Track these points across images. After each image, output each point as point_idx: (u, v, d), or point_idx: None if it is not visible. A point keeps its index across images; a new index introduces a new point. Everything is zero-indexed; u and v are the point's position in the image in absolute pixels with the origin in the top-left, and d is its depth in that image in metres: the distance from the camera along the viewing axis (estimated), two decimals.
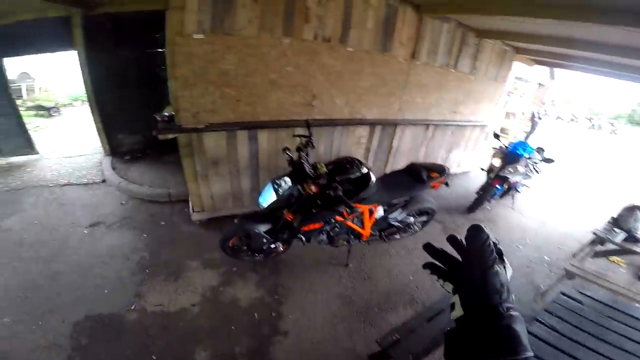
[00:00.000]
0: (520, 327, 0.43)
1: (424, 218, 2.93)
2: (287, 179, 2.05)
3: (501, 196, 4.10)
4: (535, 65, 5.61)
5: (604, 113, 26.94)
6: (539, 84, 10.80)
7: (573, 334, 1.62)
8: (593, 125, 20.02)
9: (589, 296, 1.97)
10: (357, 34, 2.77)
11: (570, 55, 4.10)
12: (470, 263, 0.49)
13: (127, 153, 4.23)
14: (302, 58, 2.57)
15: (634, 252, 2.68)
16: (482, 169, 4.12)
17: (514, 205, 4.38)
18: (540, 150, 4.14)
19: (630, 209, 2.83)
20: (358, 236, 2.57)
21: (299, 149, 2.13)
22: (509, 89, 9.52)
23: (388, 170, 3.97)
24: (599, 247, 2.89)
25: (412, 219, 2.79)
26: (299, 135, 2.29)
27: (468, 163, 5.42)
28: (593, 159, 9.84)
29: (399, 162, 4.01)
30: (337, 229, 2.42)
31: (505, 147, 3.82)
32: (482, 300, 0.46)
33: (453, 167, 5.08)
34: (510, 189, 3.98)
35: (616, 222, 2.86)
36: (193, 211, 2.93)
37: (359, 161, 2.21)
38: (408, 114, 3.64)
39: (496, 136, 4.01)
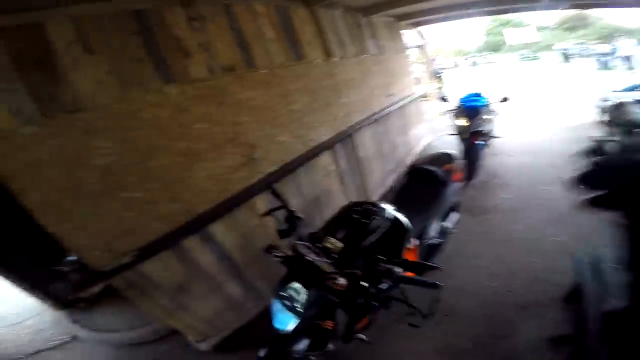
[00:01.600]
0: None
1: (456, 216, 2.30)
2: (297, 286, 1.21)
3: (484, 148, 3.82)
4: (414, 29, 5.88)
5: (470, 51, 31.44)
6: (418, 47, 11.75)
7: None
8: (472, 63, 22.88)
9: None
10: (261, 49, 2.13)
11: (431, 9, 4.29)
12: None
13: (79, 300, 2.92)
14: (208, 104, 1.79)
15: None
16: (451, 134, 3.82)
17: (495, 150, 4.19)
18: (478, 94, 4.02)
19: (619, 106, 2.74)
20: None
21: (282, 234, 1.35)
22: None
23: (372, 186, 3.38)
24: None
25: (446, 225, 2.13)
26: (270, 212, 1.50)
27: (424, 134, 5.26)
28: (505, 87, 10.79)
29: (375, 172, 3.48)
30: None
31: (460, 105, 3.61)
32: None
33: (415, 146, 4.79)
34: (488, 138, 3.74)
35: (617, 124, 2.72)
36: (196, 342, 1.91)
37: (371, 204, 1.47)
38: (355, 117, 3.10)
39: (443, 99, 3.81)
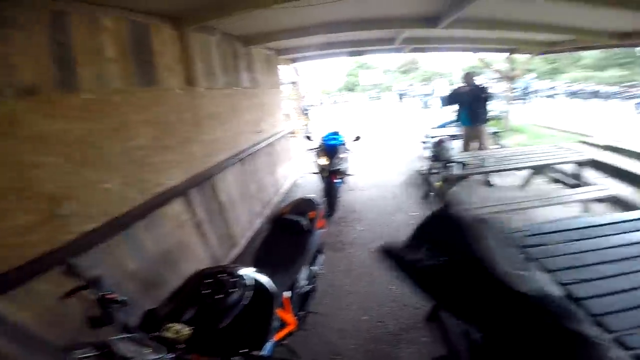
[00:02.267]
0: None
1: (321, 258, 2.30)
2: None
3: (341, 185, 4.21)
4: (291, 64, 6.26)
5: (331, 90, 36.19)
6: (292, 83, 12.66)
7: None
8: (333, 101, 26.31)
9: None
10: (92, 69, 1.65)
11: (310, 45, 4.61)
12: None
13: None
14: None
15: (478, 173, 3.37)
16: (313, 173, 4.08)
17: (350, 186, 4.66)
18: (337, 133, 4.53)
19: (439, 143, 3.42)
20: (289, 335, 1.69)
21: (95, 323, 0.92)
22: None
23: (239, 231, 3.11)
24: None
25: (314, 269, 2.10)
26: (72, 294, 1.00)
27: (292, 172, 5.39)
28: (357, 126, 12.65)
29: (241, 217, 3.23)
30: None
31: (322, 144, 3.91)
32: None
33: (283, 185, 4.85)
34: (344, 176, 4.14)
35: (437, 158, 3.39)
36: None
37: (226, 272, 1.20)
38: (219, 156, 2.85)
39: (308, 138, 4.04)
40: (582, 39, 4.34)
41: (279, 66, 5.24)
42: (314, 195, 2.08)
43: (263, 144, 3.92)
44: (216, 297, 1.07)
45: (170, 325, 0.97)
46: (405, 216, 3.64)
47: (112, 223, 1.68)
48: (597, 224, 1.82)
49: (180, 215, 2.29)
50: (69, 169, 1.51)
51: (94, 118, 1.66)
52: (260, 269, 1.55)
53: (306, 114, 10.68)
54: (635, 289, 1.27)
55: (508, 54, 6.77)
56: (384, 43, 4.49)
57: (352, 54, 6.03)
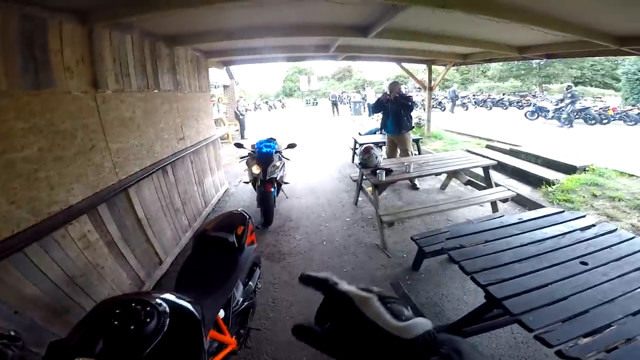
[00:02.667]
0: None
1: (257, 271, 2.22)
2: None
3: (277, 194, 4.11)
4: (224, 67, 5.96)
5: (270, 94, 35.99)
6: (224, 86, 12.13)
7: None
8: (270, 106, 25.99)
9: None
10: None
11: (248, 48, 4.51)
12: None
13: None
14: None
15: (403, 179, 3.57)
16: (246, 182, 3.92)
17: (287, 195, 4.62)
18: (272, 140, 4.45)
19: (367, 151, 3.52)
20: (230, 355, 1.63)
21: None
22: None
23: (161, 251, 2.80)
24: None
25: (251, 284, 2.03)
26: None
27: (222, 181, 5.13)
28: (294, 130, 12.68)
29: (166, 232, 2.94)
30: None
31: (254, 151, 3.76)
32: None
33: (214, 195, 4.57)
34: (280, 185, 4.05)
35: (365, 165, 3.51)
36: None
37: (140, 300, 1.03)
38: (132, 167, 2.51)
39: (239, 145, 3.85)
40: (489, 52, 4.98)
41: (210, 69, 4.93)
42: (241, 209, 1.96)
43: (188, 152, 3.61)
44: (131, 327, 0.95)
45: (79, 359, 0.86)
46: (340, 223, 3.73)
47: None
48: (506, 223, 2.07)
49: (87, 235, 1.96)
50: None
51: None
52: (184, 291, 1.42)
53: (240, 118, 10.32)
54: (546, 285, 1.41)
55: (426, 65, 7.55)
56: (319, 50, 4.55)
57: (288, 59, 6.00)
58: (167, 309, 1.02)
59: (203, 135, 4.27)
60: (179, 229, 3.24)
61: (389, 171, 3.34)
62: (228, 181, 5.39)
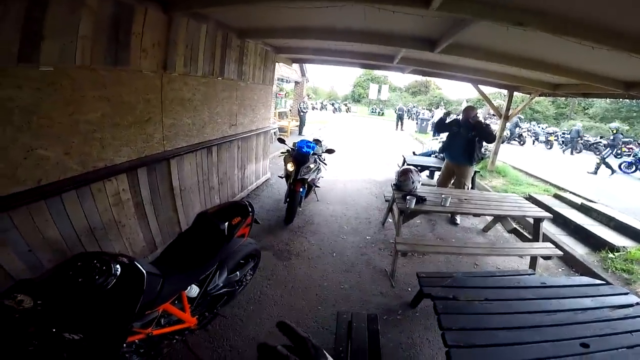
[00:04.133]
0: None
1: (250, 264, 2.33)
2: None
3: (306, 195, 4.20)
4: (293, 64, 6.22)
5: (339, 97, 36.49)
6: (295, 82, 12.67)
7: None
8: (335, 108, 26.37)
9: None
10: (55, 45, 1.65)
11: (317, 48, 4.62)
12: None
13: None
14: None
15: (434, 211, 3.32)
16: (281, 177, 4.08)
17: (318, 198, 4.67)
18: (318, 142, 4.55)
19: (404, 173, 3.36)
20: (184, 332, 1.74)
21: None
22: (276, 90, 10.64)
23: (184, 222, 3.06)
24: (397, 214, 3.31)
25: (238, 274, 2.14)
26: None
27: (265, 171, 5.38)
28: (350, 137, 12.73)
29: (193, 205, 3.20)
30: (142, 347, 1.48)
31: (293, 149, 3.89)
32: None
33: (253, 182, 4.83)
34: (311, 186, 4.13)
35: (399, 188, 3.38)
36: None
37: (106, 256, 1.23)
38: (179, 141, 2.82)
39: (281, 141, 4.03)
40: (586, 84, 4.14)
41: (279, 64, 5.22)
42: (248, 201, 2.07)
43: (237, 138, 3.90)
44: (79, 280, 1.12)
45: (16, 295, 1.01)
46: (358, 239, 3.66)
47: (41, 189, 1.68)
48: (524, 285, 1.84)
49: (119, 193, 2.26)
50: (4, 132, 1.50)
51: (47, 89, 1.66)
52: (163, 261, 1.59)
53: (301, 115, 10.69)
54: None
55: (507, 90, 6.81)
56: (384, 59, 4.48)
57: (353, 64, 6.03)
58: (119, 272, 1.18)
59: (257, 125, 4.56)
60: (208, 206, 3.49)
61: (421, 199, 3.17)
62: (272, 172, 5.62)
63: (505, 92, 7.00)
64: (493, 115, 18.61)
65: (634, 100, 19.35)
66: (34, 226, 1.69)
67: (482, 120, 4.15)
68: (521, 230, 4.05)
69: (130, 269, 1.25)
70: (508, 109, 7.02)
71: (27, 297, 1.01)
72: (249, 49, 3.91)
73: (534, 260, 3.15)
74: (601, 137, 15.58)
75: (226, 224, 1.77)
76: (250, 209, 1.99)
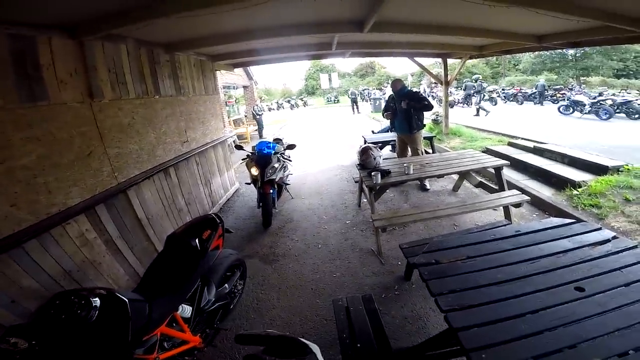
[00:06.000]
0: None
1: (237, 274, 2.31)
2: None
3: (278, 195, 4.15)
4: (236, 70, 6.06)
5: (293, 92, 36.30)
6: (244, 87, 12.40)
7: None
8: (292, 105, 26.23)
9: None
10: None
11: (254, 49, 4.54)
12: None
13: None
14: None
15: (400, 181, 3.42)
16: (248, 183, 4.01)
17: (292, 195, 4.67)
18: (278, 140, 4.50)
19: (365, 151, 3.42)
20: (192, 351, 1.76)
21: None
22: (224, 98, 10.33)
23: (160, 248, 2.90)
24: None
25: (227, 286, 2.12)
26: None
27: (232, 182, 5.25)
28: (311, 129, 12.73)
29: (166, 231, 2.98)
30: None
31: (253, 153, 3.82)
32: None
33: (222, 195, 4.70)
34: (281, 185, 4.09)
35: (363, 167, 3.43)
36: None
37: (83, 291, 1.26)
38: (131, 170, 2.65)
39: (239, 147, 3.96)
40: (506, 42, 4.65)
41: (219, 71, 5.07)
42: (214, 214, 2.03)
43: (192, 154, 3.74)
44: (62, 317, 1.17)
45: (9, 339, 1.09)
46: (339, 225, 3.70)
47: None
48: (499, 236, 1.81)
49: (84, 233, 2.11)
50: None
51: None
52: (144, 289, 1.57)
53: (257, 118, 10.51)
54: (521, 315, 1.20)
55: (440, 59, 7.20)
56: (322, 48, 4.50)
57: (295, 58, 5.99)
58: (99, 304, 1.22)
59: (210, 137, 4.40)
60: None
61: (386, 173, 3.25)
62: (240, 181, 5.50)
63: (440, 60, 7.35)
64: (436, 84, 19.46)
65: (552, 52, 21.47)
66: (7, 279, 1.62)
67: (412, 91, 4.45)
68: (487, 183, 4.25)
69: (110, 299, 1.27)
70: (446, 75, 7.44)
71: (20, 340, 1.09)
72: (181, 62, 3.75)
73: (507, 210, 3.31)
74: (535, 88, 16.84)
75: (197, 239, 1.75)
76: (218, 220, 1.97)
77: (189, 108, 3.84)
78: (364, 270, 2.79)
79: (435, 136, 6.20)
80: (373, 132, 7.01)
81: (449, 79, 7.51)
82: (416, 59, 6.86)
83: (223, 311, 2.17)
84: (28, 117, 1.83)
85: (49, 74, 1.99)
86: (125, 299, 1.28)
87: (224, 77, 8.94)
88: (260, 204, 3.64)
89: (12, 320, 1.56)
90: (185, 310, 1.75)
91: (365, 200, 4.10)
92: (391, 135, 5.61)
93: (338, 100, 28.07)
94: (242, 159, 4.03)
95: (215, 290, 1.95)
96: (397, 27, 3.39)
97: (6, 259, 1.62)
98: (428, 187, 4.66)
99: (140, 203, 2.73)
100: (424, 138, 5.13)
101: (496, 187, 3.72)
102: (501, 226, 2.38)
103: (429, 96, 17.65)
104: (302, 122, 15.94)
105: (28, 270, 1.73)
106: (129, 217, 2.59)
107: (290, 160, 4.27)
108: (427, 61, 7.49)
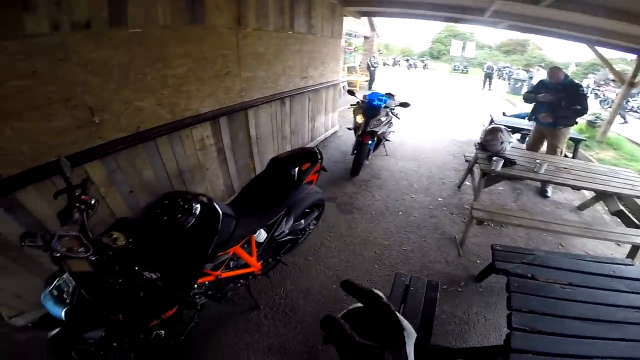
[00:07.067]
0: None
1: (315, 213, 2.36)
2: (69, 279, 1.06)
3: (375, 149, 4.10)
4: (362, 18, 5.83)
5: (415, 53, 33.29)
6: (365, 37, 11.88)
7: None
8: (410, 64, 24.19)
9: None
10: (140, 6, 1.78)
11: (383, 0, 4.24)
12: None
13: None
14: (37, 61, 1.40)
15: (524, 178, 2.84)
16: (349, 129, 4.01)
17: (387, 152, 4.55)
18: (390, 95, 4.28)
19: (492, 132, 2.99)
20: (248, 276, 1.85)
21: (63, 218, 1.05)
22: (344, 44, 10.18)
23: (259, 169, 3.27)
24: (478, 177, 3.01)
25: (302, 222, 2.19)
26: (58, 195, 1.14)
27: (334, 123, 5.40)
28: (427, 94, 11.72)
29: (267, 153, 3.39)
30: (210, 289, 1.60)
31: (363, 101, 3.76)
32: None
33: (322, 133, 4.91)
34: (381, 140, 4.00)
35: (484, 148, 3.02)
36: (9, 318, 1.63)
37: (189, 195, 1.31)
38: (255, 93, 2.94)
39: (351, 93, 3.92)
40: None
41: (346, 17, 4.94)
42: (317, 147, 2.06)
43: (308, 90, 3.91)
44: (164, 218, 1.19)
45: (112, 232, 1.08)
46: (429, 199, 3.46)
47: (138, 135, 1.94)
48: (620, 275, 1.61)
49: (204, 139, 2.49)
50: (109, 87, 1.74)
51: (136, 49, 1.82)
52: (238, 204, 1.67)
53: (371, 70, 10.15)
54: (588, 357, 1.12)
55: (637, 56, 5.34)
56: (472, 12, 3.90)
57: (433, 18, 5.34)
58: (198, 211, 1.25)
59: (326, 78, 4.50)
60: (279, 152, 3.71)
61: (510, 162, 2.81)
62: (340, 125, 5.57)
63: (633, 57, 5.48)
64: (608, 82, 14.83)
65: None
66: (135, 169, 1.98)
67: (570, 80, 3.53)
68: (628, 214, 3.28)
69: (208, 208, 1.31)
70: (635, 75, 5.61)
71: (121, 235, 1.08)
72: (315, 2, 3.71)
73: (634, 249, 2.55)
74: None
75: (296, 169, 1.79)
76: (319, 156, 1.98)
77: (314, 47, 3.91)
78: (437, 255, 2.61)
79: (584, 140, 4.95)
80: (504, 114, 6.02)
81: (635, 80, 5.66)
82: (597, 48, 5.27)
83: (290, 245, 2.23)
84: (187, 36, 2.12)
85: (209, 0, 2.21)
86: (220, 212, 1.32)
87: (348, 23, 8.69)
88: (355, 152, 3.65)
89: (124, 211, 1.86)
90: (261, 235, 1.78)
91: (469, 183, 3.71)
92: (526, 124, 4.73)
93: (467, 71, 24.57)
94: (351, 104, 4.02)
95: (292, 223, 1.98)
96: (587, 7, 2.71)
97: (140, 148, 1.94)
98: (549, 194, 3.89)
99: (255, 122, 3.05)
100: (570, 139, 4.12)
101: (637, 222, 2.85)
102: (622, 264, 1.89)
103: (591, 93, 14.14)
104: (418, 84, 14.65)
105: (152, 162, 2.07)
106: (242, 133, 2.94)
107: (398, 118, 4.07)
108: (607, 53, 5.64)
